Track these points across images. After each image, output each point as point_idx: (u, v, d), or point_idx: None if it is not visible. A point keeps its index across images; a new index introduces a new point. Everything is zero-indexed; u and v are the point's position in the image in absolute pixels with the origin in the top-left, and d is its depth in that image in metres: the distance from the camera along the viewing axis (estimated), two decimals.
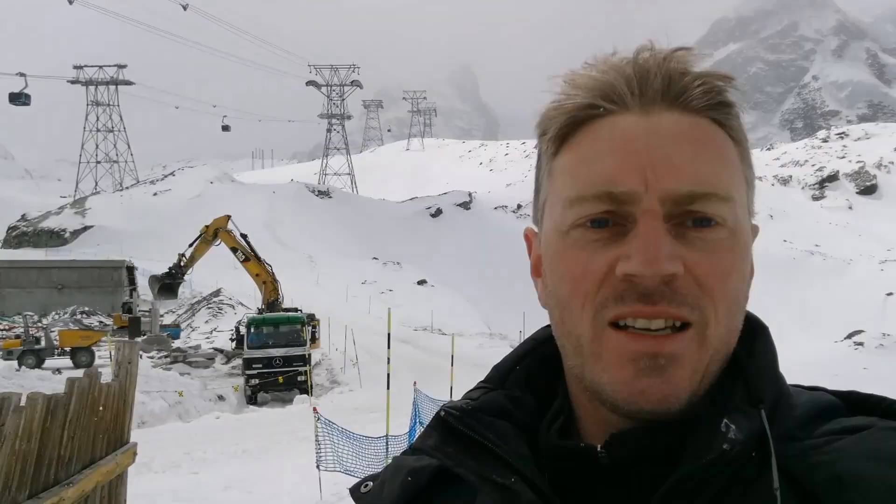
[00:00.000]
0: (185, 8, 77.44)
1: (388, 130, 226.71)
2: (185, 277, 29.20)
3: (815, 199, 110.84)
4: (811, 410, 0.70)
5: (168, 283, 27.59)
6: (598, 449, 0.69)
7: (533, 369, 0.81)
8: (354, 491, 0.82)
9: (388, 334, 9.27)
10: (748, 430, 0.65)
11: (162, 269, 62.42)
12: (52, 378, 17.31)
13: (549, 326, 0.78)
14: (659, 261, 0.63)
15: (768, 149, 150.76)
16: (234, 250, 27.73)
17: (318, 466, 6.82)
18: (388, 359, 8.72)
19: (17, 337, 28.30)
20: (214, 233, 27.61)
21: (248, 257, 27.32)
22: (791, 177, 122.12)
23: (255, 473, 8.10)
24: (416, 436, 0.74)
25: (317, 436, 6.93)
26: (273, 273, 28.05)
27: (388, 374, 8.42)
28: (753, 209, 0.74)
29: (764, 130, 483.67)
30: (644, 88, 0.69)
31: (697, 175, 0.66)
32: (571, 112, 0.71)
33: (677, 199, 0.66)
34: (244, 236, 27.83)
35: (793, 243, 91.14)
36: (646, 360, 0.65)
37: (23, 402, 2.84)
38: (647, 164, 0.66)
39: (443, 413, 0.78)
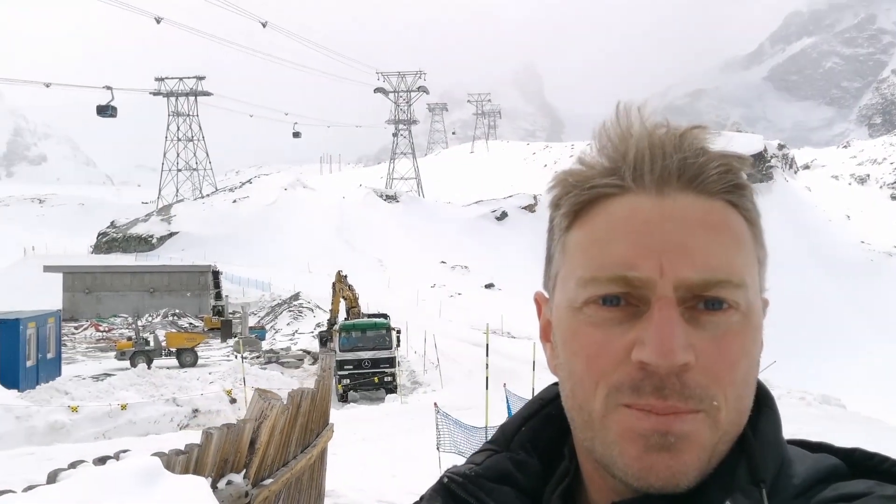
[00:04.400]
0: (264, 25, 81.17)
1: (453, 133, 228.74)
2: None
3: (894, 198, 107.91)
4: (810, 478, 0.70)
5: (328, 338, 30.98)
6: None
7: (539, 430, 0.81)
8: None
9: (487, 345, 10.91)
10: None
11: (243, 273, 65.75)
12: (178, 376, 19.65)
13: (555, 385, 0.79)
14: (674, 352, 0.64)
15: (844, 146, 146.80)
16: (343, 297, 30.60)
17: (437, 448, 8.59)
18: (487, 364, 10.37)
19: (129, 339, 31.17)
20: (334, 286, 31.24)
21: (348, 298, 30.32)
22: (869, 175, 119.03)
23: (380, 454, 9.87)
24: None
25: (437, 425, 8.67)
26: (357, 299, 30.78)
27: (487, 378, 10.06)
28: (765, 285, 0.74)
29: (840, 127, 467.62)
30: (661, 169, 0.69)
31: (711, 262, 0.66)
32: (586, 189, 0.72)
33: (692, 286, 0.66)
34: (345, 277, 30.71)
35: (870, 245, 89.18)
36: (656, 438, 0.65)
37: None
38: (662, 251, 0.66)
39: (446, 480, 0.79)
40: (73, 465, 2.74)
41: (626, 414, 0.66)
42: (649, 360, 0.64)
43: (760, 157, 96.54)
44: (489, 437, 0.86)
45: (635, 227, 0.68)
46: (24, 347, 20.47)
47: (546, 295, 0.79)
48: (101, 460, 2.90)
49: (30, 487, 2.53)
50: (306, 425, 4.79)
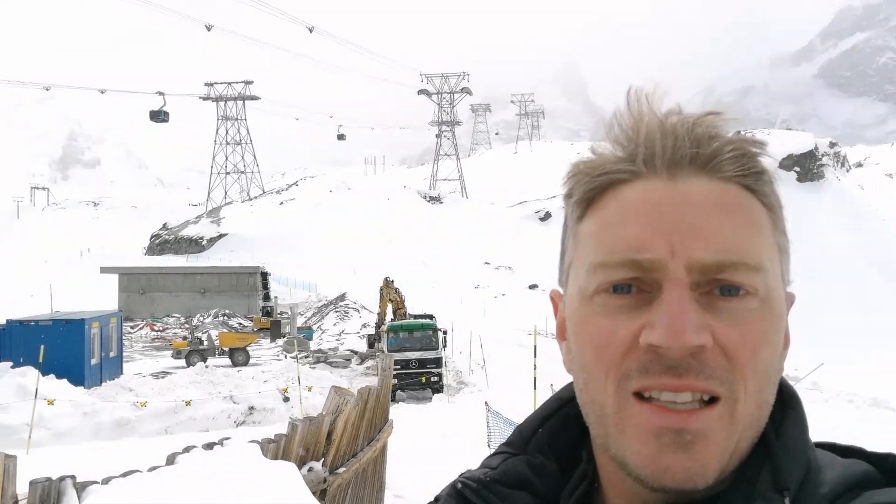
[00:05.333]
0: (311, 30, 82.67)
1: (496, 133, 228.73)
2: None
3: None
4: (839, 486, 0.66)
5: (376, 339, 31.81)
6: None
7: (557, 431, 0.79)
8: None
9: (535, 346, 11.25)
10: None
11: (290, 274, 66.91)
12: (233, 375, 20.38)
13: (573, 384, 0.75)
14: (685, 332, 0.61)
15: None
16: (390, 300, 31.32)
17: (488, 445, 8.97)
18: (535, 366, 10.71)
19: (184, 338, 32.25)
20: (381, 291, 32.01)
21: (395, 301, 30.99)
22: None
23: (432, 451, 10.26)
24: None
25: (488, 423, 9.05)
26: (404, 301, 31.42)
27: (535, 378, 10.39)
28: (788, 277, 0.71)
29: (895, 123, 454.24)
30: (672, 153, 0.67)
31: (726, 243, 0.64)
32: (597, 176, 0.70)
33: (705, 267, 0.64)
34: (392, 282, 31.38)
35: None
36: (671, 436, 0.62)
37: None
38: (673, 232, 0.64)
39: (459, 485, 0.77)
40: (186, 450, 3.18)
41: (639, 410, 0.64)
42: (658, 341, 0.62)
43: (811, 156, 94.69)
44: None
45: (646, 211, 0.66)
46: (88, 346, 21.45)
47: (561, 291, 0.77)
48: (209, 446, 3.35)
49: (153, 468, 2.98)
50: (372, 420, 5.22)
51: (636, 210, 0.67)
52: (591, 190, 0.71)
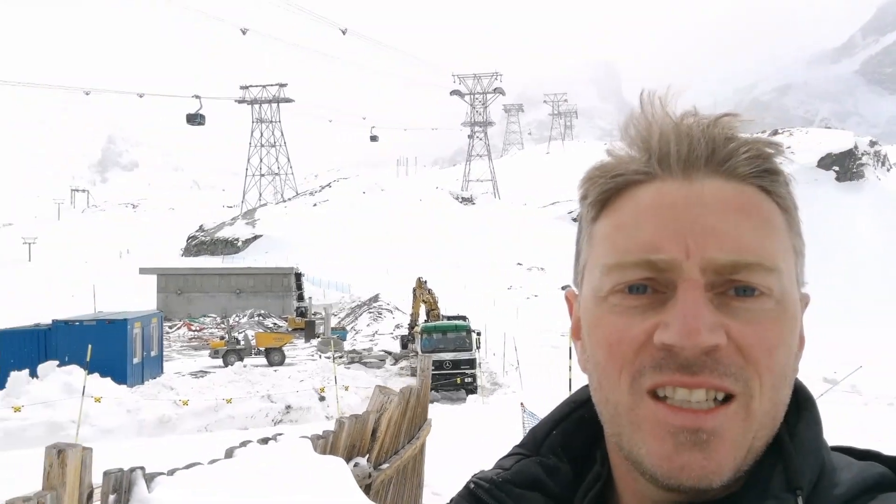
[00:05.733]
0: (344, 32, 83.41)
1: (529, 133, 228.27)
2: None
3: None
4: (854, 488, 0.66)
5: (409, 340, 32.21)
6: None
7: (571, 433, 0.79)
8: None
9: (570, 348, 11.34)
10: None
11: (323, 275, 67.49)
12: (270, 374, 20.77)
13: (588, 387, 0.75)
14: (699, 332, 0.61)
15: None
16: (423, 301, 31.68)
17: None
18: (570, 367, 10.81)
19: (221, 338, 32.84)
20: (414, 291, 32.46)
21: (427, 301, 31.29)
22: None
23: (467, 451, 10.41)
24: None
25: (524, 423, 9.18)
26: (437, 302, 31.61)
27: (570, 380, 10.50)
28: (803, 279, 0.71)
29: None
30: (687, 154, 0.67)
31: (741, 244, 0.64)
32: (612, 177, 0.71)
33: (719, 268, 0.64)
34: (425, 282, 31.74)
35: None
36: (686, 435, 0.62)
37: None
38: (688, 232, 0.64)
39: (472, 485, 0.78)
40: (243, 444, 3.38)
41: (655, 408, 0.64)
42: (672, 341, 0.62)
43: (850, 155, 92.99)
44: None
45: (661, 212, 0.66)
46: (131, 346, 22.01)
47: (576, 291, 0.78)
48: (264, 441, 3.55)
49: (213, 461, 3.18)
50: (412, 419, 5.39)
51: (651, 211, 0.67)
52: (605, 191, 0.71)
